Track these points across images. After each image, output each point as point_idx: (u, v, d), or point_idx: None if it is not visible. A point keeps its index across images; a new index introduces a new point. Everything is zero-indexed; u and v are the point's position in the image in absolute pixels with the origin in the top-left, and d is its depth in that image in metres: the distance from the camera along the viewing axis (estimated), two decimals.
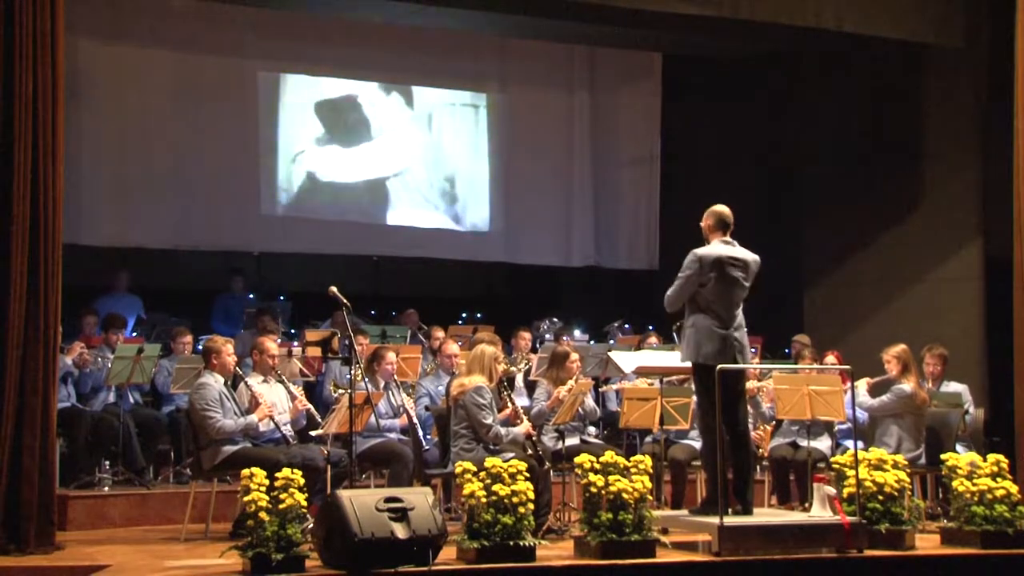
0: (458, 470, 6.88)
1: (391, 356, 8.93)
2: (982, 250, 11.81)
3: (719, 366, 7.21)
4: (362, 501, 6.37)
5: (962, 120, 11.93)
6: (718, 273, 7.38)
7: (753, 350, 10.93)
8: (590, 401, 9.13)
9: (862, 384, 8.93)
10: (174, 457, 9.60)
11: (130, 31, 12.24)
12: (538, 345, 11.19)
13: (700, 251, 7.46)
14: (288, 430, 8.16)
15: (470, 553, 6.59)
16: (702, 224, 7.61)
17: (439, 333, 11.04)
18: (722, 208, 7.58)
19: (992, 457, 7.74)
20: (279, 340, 9.64)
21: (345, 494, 6.44)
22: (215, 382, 8.05)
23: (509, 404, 8.19)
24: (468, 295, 14.45)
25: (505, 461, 6.90)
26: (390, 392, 8.86)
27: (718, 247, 7.47)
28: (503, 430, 7.89)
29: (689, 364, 7.58)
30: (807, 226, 13.10)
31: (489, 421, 7.82)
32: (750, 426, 9.26)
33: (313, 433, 8.38)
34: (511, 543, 6.59)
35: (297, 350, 9.82)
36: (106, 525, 8.51)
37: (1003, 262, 9.73)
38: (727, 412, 7.45)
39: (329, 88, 13.49)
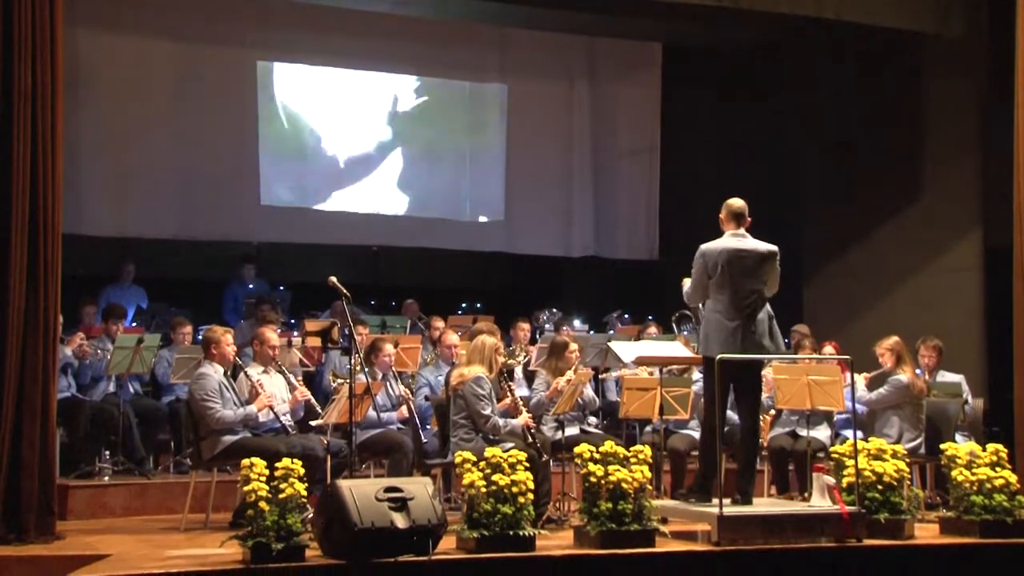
0: (458, 460, 6.88)
1: (388, 348, 8.93)
2: (982, 240, 11.80)
3: (718, 356, 7.25)
4: (362, 491, 6.38)
5: (962, 111, 11.91)
6: (724, 266, 7.44)
7: None
8: (589, 391, 9.14)
9: (860, 379, 8.93)
10: (174, 447, 9.59)
11: (130, 21, 12.22)
12: (538, 336, 11.19)
13: (704, 246, 7.57)
14: (288, 419, 8.16)
15: (470, 543, 6.61)
16: (720, 217, 7.68)
17: (439, 323, 11.03)
18: (735, 200, 7.65)
19: (991, 447, 7.75)
20: (279, 330, 9.63)
21: (345, 484, 6.45)
22: (215, 372, 8.04)
23: (509, 395, 8.19)
24: (468, 285, 14.46)
25: (505, 451, 6.91)
26: (388, 383, 8.85)
27: (725, 240, 7.56)
28: (502, 421, 7.90)
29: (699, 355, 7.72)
30: (807, 216, 13.09)
31: (488, 412, 7.82)
32: None
33: (313, 423, 8.39)
34: (511, 533, 6.60)
35: (297, 340, 9.82)
36: (106, 515, 8.51)
37: (1003, 252, 9.73)
38: (741, 402, 7.53)
39: (328, 78, 13.47)
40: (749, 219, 7.63)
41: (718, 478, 7.32)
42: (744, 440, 7.59)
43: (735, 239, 7.55)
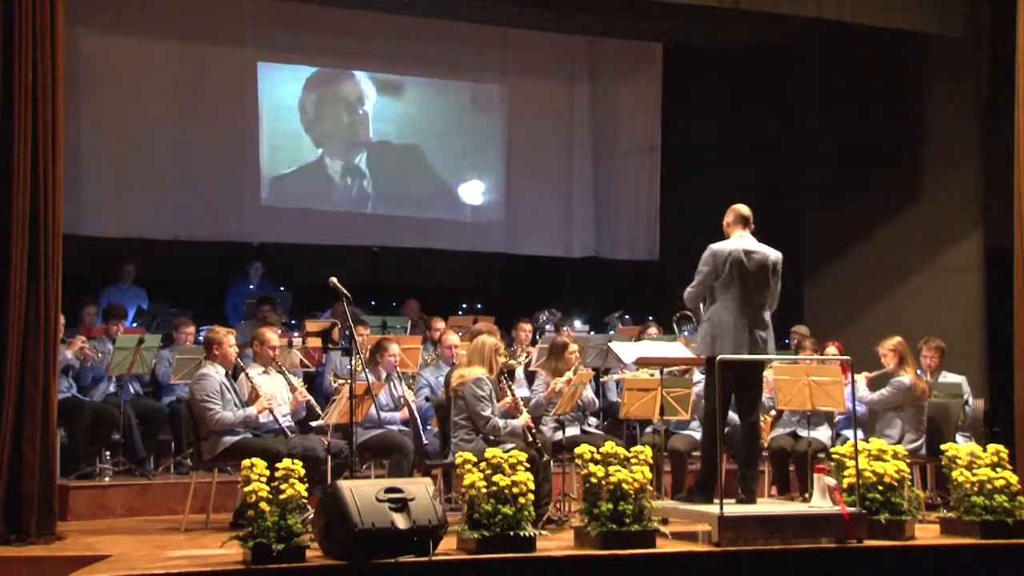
0: (458, 460, 6.87)
1: (394, 348, 8.91)
2: (982, 240, 11.80)
3: (719, 356, 7.29)
4: (362, 491, 6.38)
5: (962, 111, 11.91)
6: (734, 267, 7.48)
7: None
8: (589, 392, 9.13)
9: (860, 379, 8.93)
10: (175, 447, 9.60)
11: (130, 21, 12.23)
12: (538, 336, 11.18)
13: (715, 246, 7.59)
14: (287, 421, 8.15)
15: (470, 543, 6.60)
16: (724, 221, 7.72)
17: (439, 324, 11.02)
18: (741, 206, 7.72)
19: (992, 447, 7.75)
20: (279, 331, 9.63)
21: (345, 484, 6.45)
22: (216, 373, 8.04)
23: (509, 395, 8.18)
24: (468, 286, 14.45)
25: (505, 451, 6.91)
26: (392, 384, 8.85)
27: (733, 242, 7.59)
28: (502, 422, 7.89)
29: (701, 356, 7.68)
30: (807, 216, 13.09)
31: (487, 413, 7.82)
32: None
33: (314, 424, 8.39)
34: (511, 533, 6.60)
35: (297, 341, 9.82)
36: (107, 515, 8.52)
37: (1003, 252, 9.73)
38: (742, 403, 7.57)
39: (329, 78, 13.48)
40: (753, 225, 7.69)
41: (719, 480, 7.33)
42: (748, 440, 7.60)
43: (743, 241, 7.59)
